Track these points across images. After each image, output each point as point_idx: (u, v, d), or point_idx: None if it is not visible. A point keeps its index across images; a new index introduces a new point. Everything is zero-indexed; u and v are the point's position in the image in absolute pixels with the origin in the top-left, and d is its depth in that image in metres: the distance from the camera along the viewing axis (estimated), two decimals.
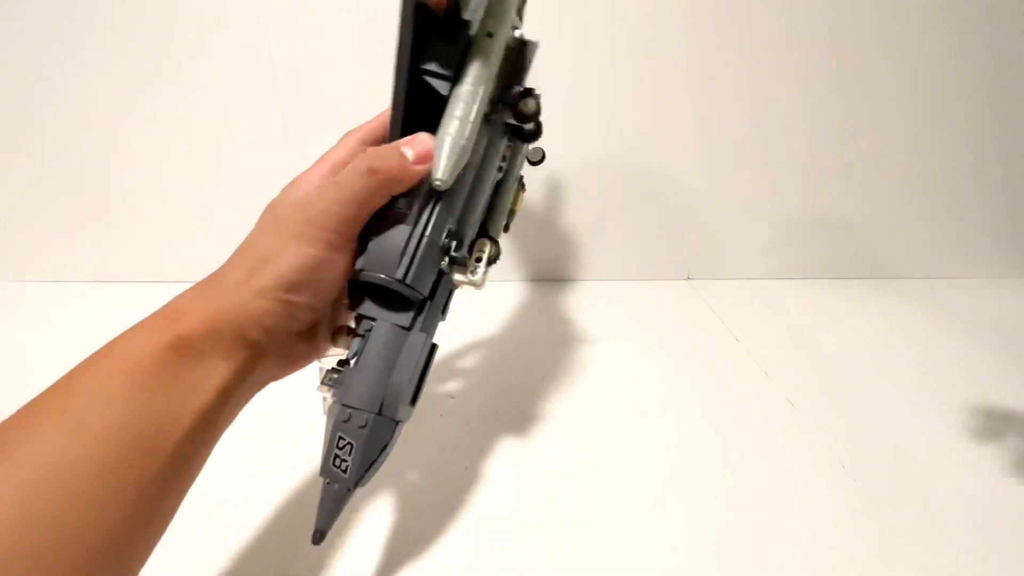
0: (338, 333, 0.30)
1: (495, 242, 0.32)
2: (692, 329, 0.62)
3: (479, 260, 0.31)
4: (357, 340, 0.28)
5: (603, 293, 0.70)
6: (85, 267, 0.69)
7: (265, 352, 0.26)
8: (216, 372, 0.24)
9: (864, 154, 0.70)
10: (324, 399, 0.30)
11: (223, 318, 0.25)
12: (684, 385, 0.52)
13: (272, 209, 0.28)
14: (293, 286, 0.26)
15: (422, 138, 0.28)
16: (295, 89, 0.62)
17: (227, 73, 0.61)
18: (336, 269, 0.27)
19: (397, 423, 0.27)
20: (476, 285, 0.30)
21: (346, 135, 0.32)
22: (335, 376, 0.28)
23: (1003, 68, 0.66)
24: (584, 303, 0.68)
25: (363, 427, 0.26)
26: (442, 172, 0.27)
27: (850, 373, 0.54)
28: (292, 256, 0.26)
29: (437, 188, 0.28)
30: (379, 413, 0.27)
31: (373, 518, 0.38)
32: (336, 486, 0.27)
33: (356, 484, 0.27)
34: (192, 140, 0.64)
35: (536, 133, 0.32)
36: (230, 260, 0.27)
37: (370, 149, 0.28)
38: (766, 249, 0.75)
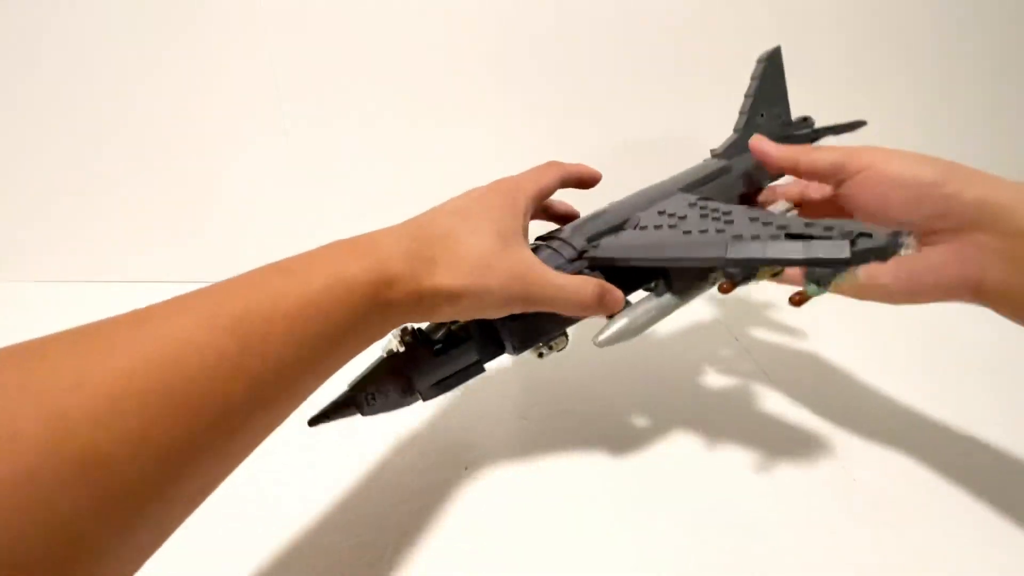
0: None
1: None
2: (692, 329, 0.62)
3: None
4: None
5: None
6: (85, 267, 0.69)
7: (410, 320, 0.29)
8: (362, 335, 0.26)
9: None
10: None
11: (426, 282, 0.27)
12: (685, 384, 0.52)
13: (511, 214, 0.31)
14: (497, 298, 0.30)
15: (617, 298, 0.34)
16: (295, 89, 0.62)
17: (227, 73, 0.61)
18: None
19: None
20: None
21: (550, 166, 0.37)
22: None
23: (1003, 67, 0.67)
24: None
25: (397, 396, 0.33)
26: (603, 340, 0.35)
27: (850, 373, 0.54)
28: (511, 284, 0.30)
29: (595, 344, 0.35)
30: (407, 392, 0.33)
31: (373, 517, 0.38)
32: (352, 407, 0.32)
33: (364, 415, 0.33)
34: (192, 140, 0.64)
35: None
36: (444, 231, 0.30)
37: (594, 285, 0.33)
38: None
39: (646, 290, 0.37)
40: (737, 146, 0.44)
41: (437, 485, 0.40)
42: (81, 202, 0.66)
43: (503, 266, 0.29)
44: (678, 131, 0.65)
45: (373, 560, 0.35)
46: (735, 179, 0.43)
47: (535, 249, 0.35)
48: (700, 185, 0.41)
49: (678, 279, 0.35)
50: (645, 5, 0.60)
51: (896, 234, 0.25)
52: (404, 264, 0.26)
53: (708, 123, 0.66)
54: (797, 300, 0.33)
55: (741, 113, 0.45)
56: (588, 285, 0.32)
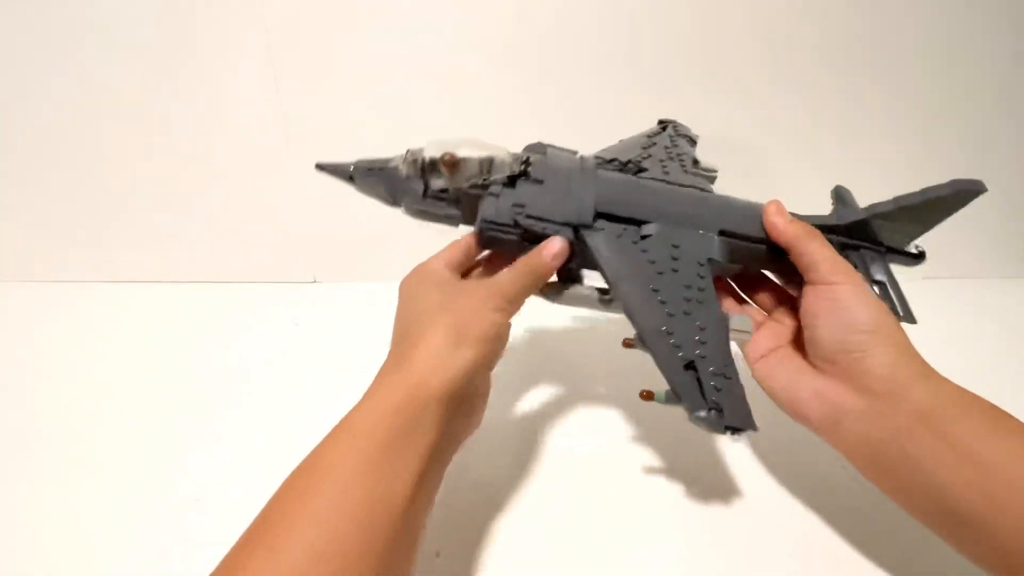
0: None
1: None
2: None
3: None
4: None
5: None
6: (85, 267, 0.69)
7: (457, 407, 0.31)
8: (428, 433, 0.29)
9: (864, 152, 0.70)
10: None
11: (429, 375, 0.30)
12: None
13: (437, 285, 0.35)
14: (491, 340, 0.32)
15: (557, 239, 0.36)
16: (295, 89, 0.62)
17: (227, 73, 0.61)
18: (506, 339, 0.36)
19: None
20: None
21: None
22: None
23: (1004, 65, 0.66)
24: None
25: None
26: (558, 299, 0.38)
27: None
28: (491, 317, 0.33)
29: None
30: None
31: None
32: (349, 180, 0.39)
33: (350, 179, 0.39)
34: (192, 140, 0.63)
35: None
36: (413, 330, 0.33)
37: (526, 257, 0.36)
38: None
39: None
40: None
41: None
42: (81, 202, 0.66)
43: (475, 296, 0.34)
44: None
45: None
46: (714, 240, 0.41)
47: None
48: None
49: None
50: (644, 6, 0.60)
51: (734, 431, 0.32)
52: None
53: (710, 124, 0.66)
54: (644, 396, 0.35)
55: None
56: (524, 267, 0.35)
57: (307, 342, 0.59)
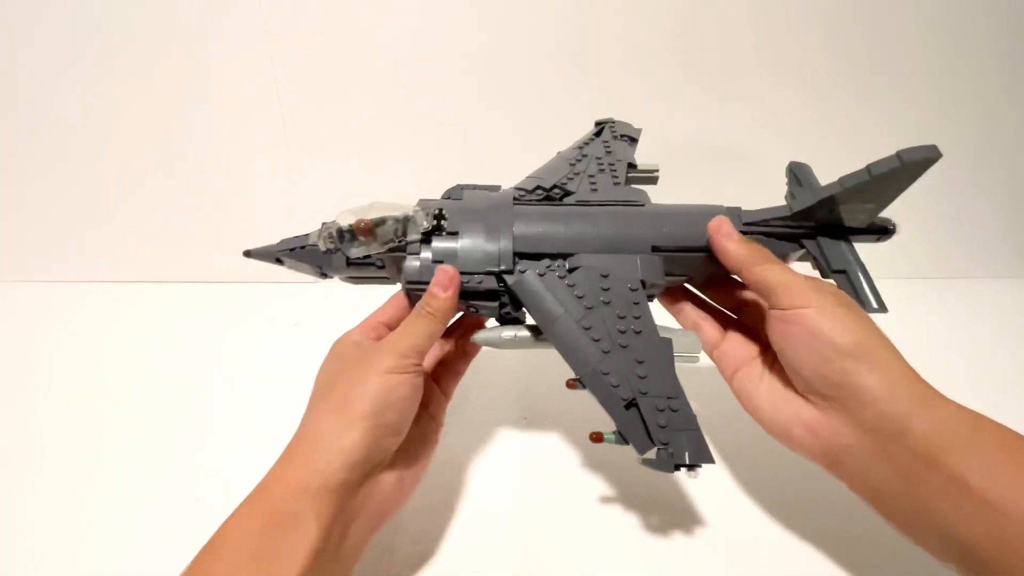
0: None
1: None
2: None
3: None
4: None
5: None
6: (86, 267, 0.69)
7: (353, 500, 0.29)
8: (307, 535, 0.26)
9: (864, 152, 0.70)
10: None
11: (310, 470, 0.28)
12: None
13: (338, 358, 0.34)
14: (382, 409, 0.30)
15: (443, 268, 0.35)
16: (295, 89, 0.62)
17: (227, 73, 0.61)
18: (414, 392, 0.32)
19: None
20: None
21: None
22: None
23: (1004, 65, 0.66)
24: None
25: None
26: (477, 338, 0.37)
27: None
28: (379, 382, 0.30)
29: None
30: None
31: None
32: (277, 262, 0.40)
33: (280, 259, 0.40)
34: (192, 140, 0.63)
35: None
36: (308, 414, 0.32)
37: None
38: None
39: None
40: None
41: (438, 486, 0.40)
42: (81, 202, 0.66)
43: (366, 363, 0.32)
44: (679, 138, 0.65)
45: (374, 559, 0.35)
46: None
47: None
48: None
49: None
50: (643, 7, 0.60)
51: (681, 467, 0.30)
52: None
53: (711, 130, 0.66)
54: (594, 437, 0.34)
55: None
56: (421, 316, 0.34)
57: (307, 342, 0.59)
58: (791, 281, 0.31)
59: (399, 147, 0.65)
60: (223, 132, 0.63)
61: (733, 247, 0.34)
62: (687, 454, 0.30)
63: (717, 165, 0.68)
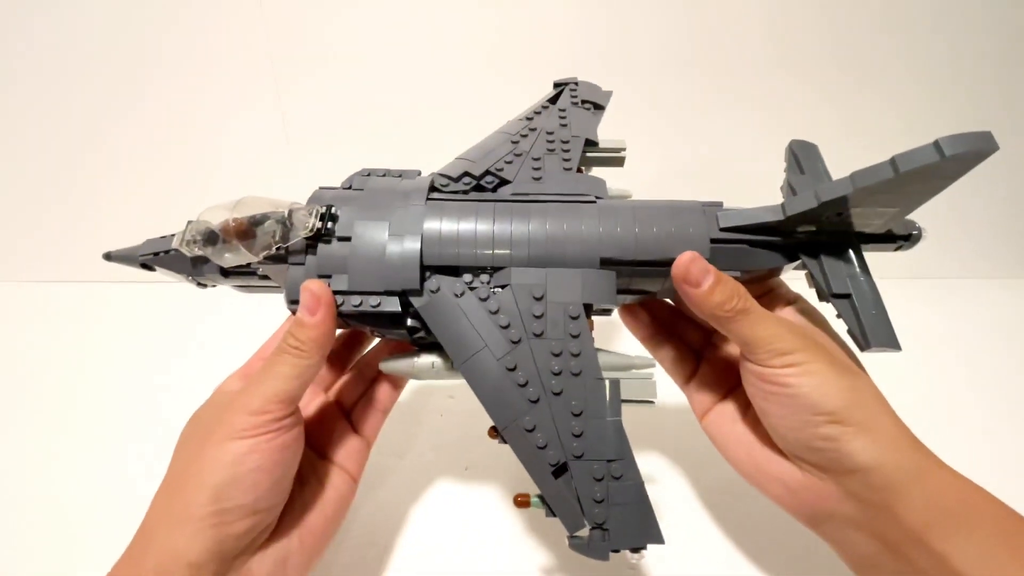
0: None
1: None
2: None
3: None
4: None
5: None
6: (86, 267, 0.69)
7: None
8: None
9: (864, 153, 0.70)
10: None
11: None
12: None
13: (196, 417, 0.28)
14: (225, 492, 0.24)
15: (308, 286, 0.27)
16: (295, 89, 0.62)
17: (227, 73, 0.61)
18: (279, 454, 0.26)
19: None
20: None
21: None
22: None
23: (1004, 64, 0.67)
24: None
25: None
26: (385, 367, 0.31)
27: None
28: (219, 456, 0.24)
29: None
30: None
31: (375, 516, 0.38)
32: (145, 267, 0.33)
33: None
34: (193, 140, 0.64)
35: None
36: (154, 497, 0.26)
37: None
38: None
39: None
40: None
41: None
42: (81, 202, 0.66)
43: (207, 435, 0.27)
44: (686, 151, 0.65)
45: (375, 558, 0.35)
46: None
47: None
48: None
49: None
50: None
51: (633, 549, 0.24)
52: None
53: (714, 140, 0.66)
54: (519, 502, 0.29)
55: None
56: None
57: None
58: (772, 336, 0.26)
59: (399, 147, 0.65)
60: (223, 132, 0.63)
61: (702, 298, 0.26)
62: (627, 536, 0.24)
63: (717, 165, 0.68)
